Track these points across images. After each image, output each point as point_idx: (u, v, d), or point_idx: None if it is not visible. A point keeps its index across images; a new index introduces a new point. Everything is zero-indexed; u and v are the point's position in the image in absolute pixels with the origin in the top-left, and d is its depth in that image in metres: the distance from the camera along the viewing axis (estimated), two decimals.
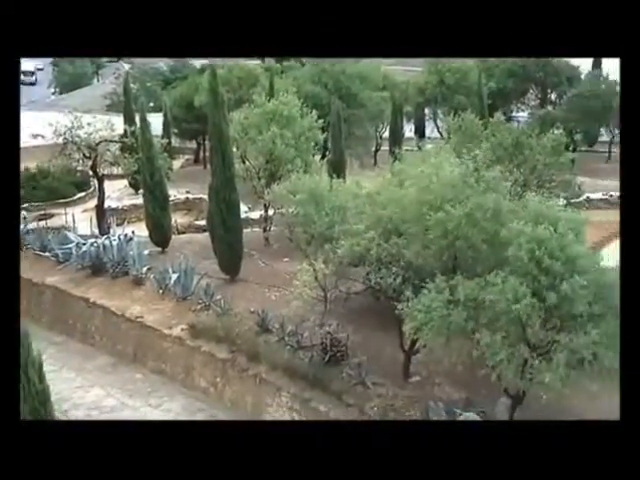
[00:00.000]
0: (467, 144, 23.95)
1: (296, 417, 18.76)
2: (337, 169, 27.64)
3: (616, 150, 51.81)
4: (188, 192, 38.36)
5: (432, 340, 15.79)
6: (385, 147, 44.87)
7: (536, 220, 15.21)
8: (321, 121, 29.45)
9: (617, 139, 51.09)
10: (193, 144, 48.92)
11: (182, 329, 22.42)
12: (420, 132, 51.70)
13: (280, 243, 25.13)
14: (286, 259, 25.72)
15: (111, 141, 30.75)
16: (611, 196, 39.19)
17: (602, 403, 17.27)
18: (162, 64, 64.39)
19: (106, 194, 32.96)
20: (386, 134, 47.09)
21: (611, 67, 50.19)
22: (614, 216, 38.40)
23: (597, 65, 53.11)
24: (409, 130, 50.86)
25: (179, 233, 31.56)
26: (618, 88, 47.39)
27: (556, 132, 26.84)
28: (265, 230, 28.67)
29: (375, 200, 18.81)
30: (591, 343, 14.31)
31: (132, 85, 48.29)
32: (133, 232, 27.94)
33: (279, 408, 19.47)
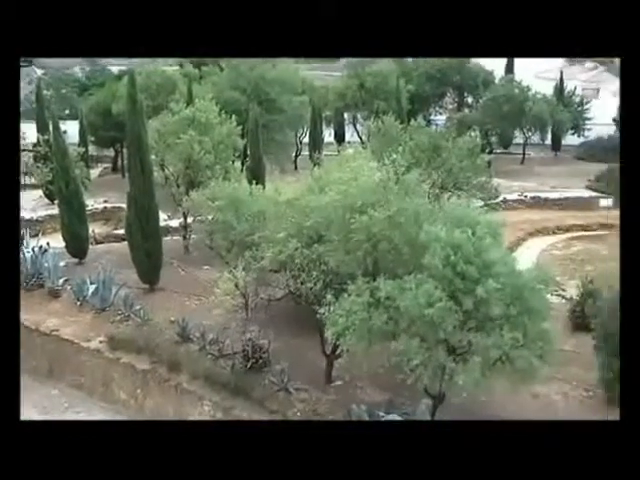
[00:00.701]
0: (386, 148, 24.24)
1: None
2: (256, 175, 27.53)
3: (531, 152, 53.51)
4: (106, 201, 37.59)
5: (354, 345, 15.82)
6: (306, 152, 45.00)
7: (454, 223, 15.41)
8: (240, 127, 29.36)
9: (530, 141, 52.76)
10: (111, 152, 48.03)
11: (100, 341, 21.96)
12: (340, 137, 52.06)
13: (200, 251, 24.93)
14: (206, 267, 25.50)
15: (23, 150, 29.89)
16: (526, 196, 40.30)
17: (520, 401, 17.84)
18: (77, 69, 62.95)
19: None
20: (306, 139, 47.20)
21: (523, 72, 51.66)
22: (529, 215, 39.76)
23: (510, 70, 54.52)
24: (329, 135, 51.14)
25: (97, 243, 30.89)
26: (530, 93, 48.92)
27: (472, 135, 27.32)
28: (185, 238, 28.36)
29: (295, 206, 18.77)
30: (504, 344, 14.57)
31: (45, 91, 47.07)
32: (48, 243, 27.20)
33: (201, 417, 19.24)
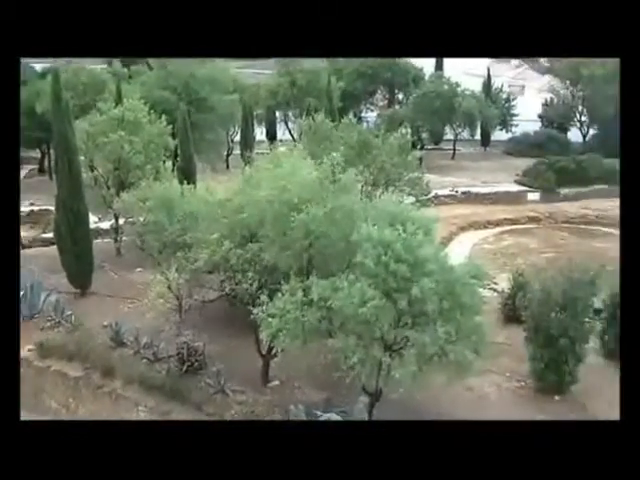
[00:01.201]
0: (318, 145, 24.25)
1: None
2: (187, 175, 27.16)
3: (461, 148, 54.31)
4: (32, 204, 36.58)
5: (288, 344, 15.79)
6: (237, 151, 44.68)
7: (386, 220, 15.49)
8: (171, 127, 28.98)
9: (460, 137, 53.57)
10: (37, 153, 46.80)
11: (29, 349, 21.29)
12: (271, 135, 51.94)
13: (132, 253, 24.54)
14: (139, 269, 25.12)
15: None
16: (457, 192, 40.89)
17: (455, 395, 18.08)
18: None
19: None
20: (238, 138, 46.90)
21: (452, 68, 52.42)
22: (461, 210, 40.34)
23: (439, 67, 55.26)
24: (260, 133, 50.94)
25: (24, 248, 30.03)
26: (459, 89, 49.67)
27: (403, 131, 27.55)
28: (116, 240, 27.87)
29: (227, 206, 18.63)
30: (439, 339, 14.74)
31: None
32: None
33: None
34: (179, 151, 29.44)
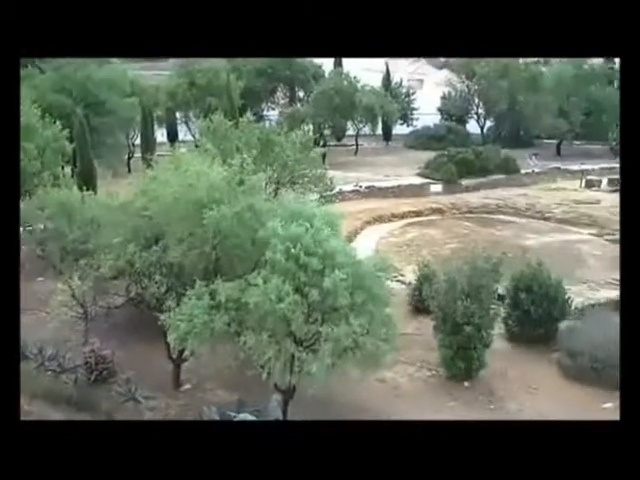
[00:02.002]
0: (218, 146, 24.00)
1: None
2: (87, 180, 26.46)
3: (364, 143, 54.92)
4: None
5: (197, 348, 15.57)
6: (138, 154, 43.86)
7: (292, 217, 15.47)
8: (67, 131, 28.17)
9: (362, 132, 54.18)
10: None
11: None
12: (173, 136, 51.23)
13: (32, 263, 23.62)
14: (40, 278, 24.26)
15: None
16: (361, 187, 41.27)
17: (369, 388, 18.24)
18: None
19: None
20: (138, 141, 46.04)
21: (351, 64, 52.88)
22: (365, 205, 40.68)
23: (339, 63, 55.67)
24: (161, 135, 50.17)
25: None
26: (359, 85, 50.20)
27: (305, 128, 27.61)
28: None
29: (130, 209, 18.22)
30: (352, 332, 14.81)
31: None
32: None
33: None
34: (77, 156, 28.60)
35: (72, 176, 26.05)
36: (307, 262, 14.59)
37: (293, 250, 14.59)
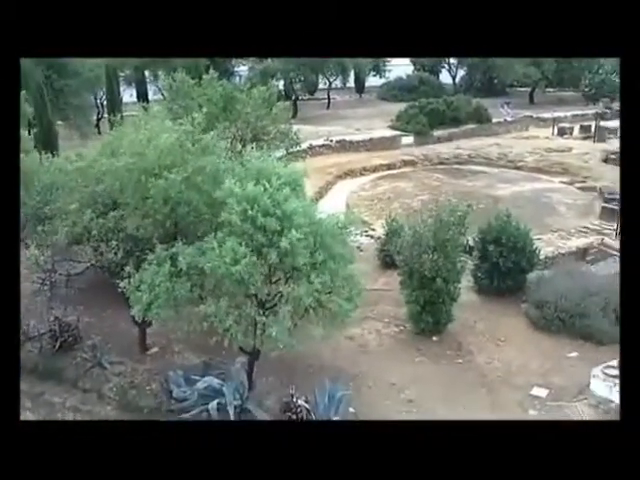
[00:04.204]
0: (180, 104, 23.54)
1: (30, 415, 17.53)
2: (47, 143, 25.92)
3: (336, 96, 54.31)
4: None
5: (161, 316, 15.32)
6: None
7: (253, 177, 15.14)
8: (24, 92, 27.45)
9: (334, 85, 53.55)
10: None
11: None
12: (143, 96, 50.30)
13: None
14: None
15: None
16: (332, 141, 40.85)
17: (336, 346, 18.19)
18: None
19: None
20: None
21: None
22: (336, 159, 40.44)
23: None
24: (130, 95, 49.32)
25: None
26: None
27: (270, 84, 27.11)
28: None
29: (87, 174, 17.81)
30: (314, 290, 14.63)
31: None
32: None
33: None
34: (36, 118, 27.98)
35: (31, 140, 25.40)
36: (264, 223, 14.29)
37: (250, 211, 14.29)
